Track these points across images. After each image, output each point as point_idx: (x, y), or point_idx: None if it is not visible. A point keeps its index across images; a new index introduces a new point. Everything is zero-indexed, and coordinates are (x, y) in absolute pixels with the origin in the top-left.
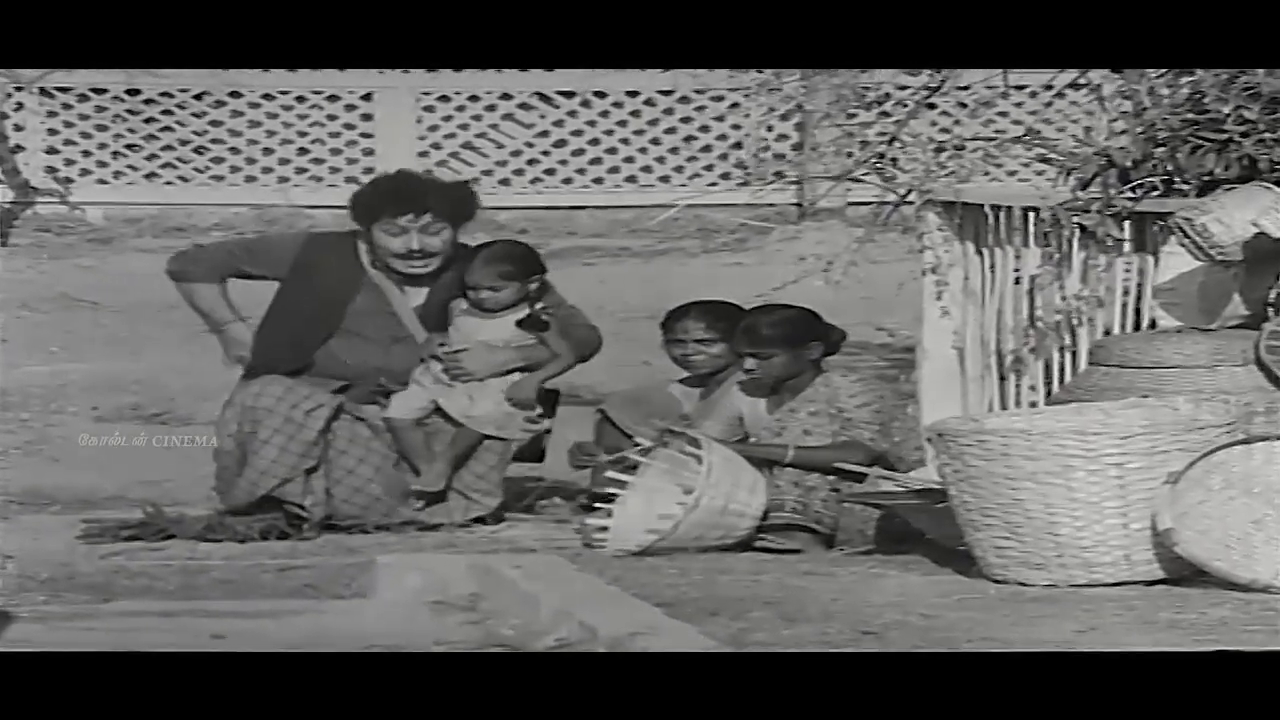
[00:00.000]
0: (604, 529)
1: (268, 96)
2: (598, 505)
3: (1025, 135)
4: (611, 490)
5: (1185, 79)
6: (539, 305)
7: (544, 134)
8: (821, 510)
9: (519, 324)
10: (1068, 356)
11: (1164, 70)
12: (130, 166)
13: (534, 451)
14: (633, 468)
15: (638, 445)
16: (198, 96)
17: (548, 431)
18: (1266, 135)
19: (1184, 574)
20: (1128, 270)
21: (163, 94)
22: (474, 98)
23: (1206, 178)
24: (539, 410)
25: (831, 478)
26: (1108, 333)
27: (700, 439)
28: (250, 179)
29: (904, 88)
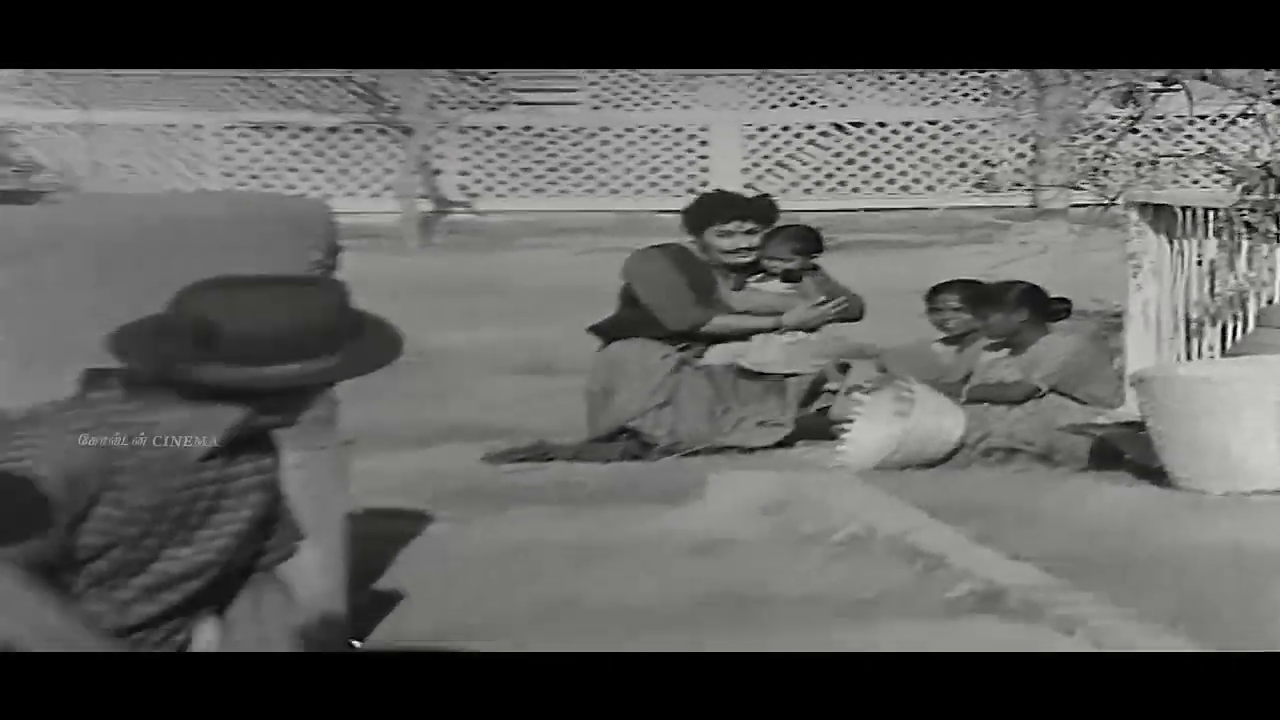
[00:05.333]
0: (843, 451)
1: (629, 129)
2: (841, 430)
3: (1206, 153)
4: (849, 416)
5: None
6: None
7: (838, 154)
8: (1030, 437)
9: (783, 279)
10: (1238, 321)
11: None
12: (523, 184)
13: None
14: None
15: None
16: (575, 130)
17: (831, 379)
18: None
19: None
20: None
21: (550, 129)
22: (785, 128)
23: None
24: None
25: (1029, 407)
26: (1270, 302)
27: (910, 380)
28: (614, 191)
29: (1113, 117)
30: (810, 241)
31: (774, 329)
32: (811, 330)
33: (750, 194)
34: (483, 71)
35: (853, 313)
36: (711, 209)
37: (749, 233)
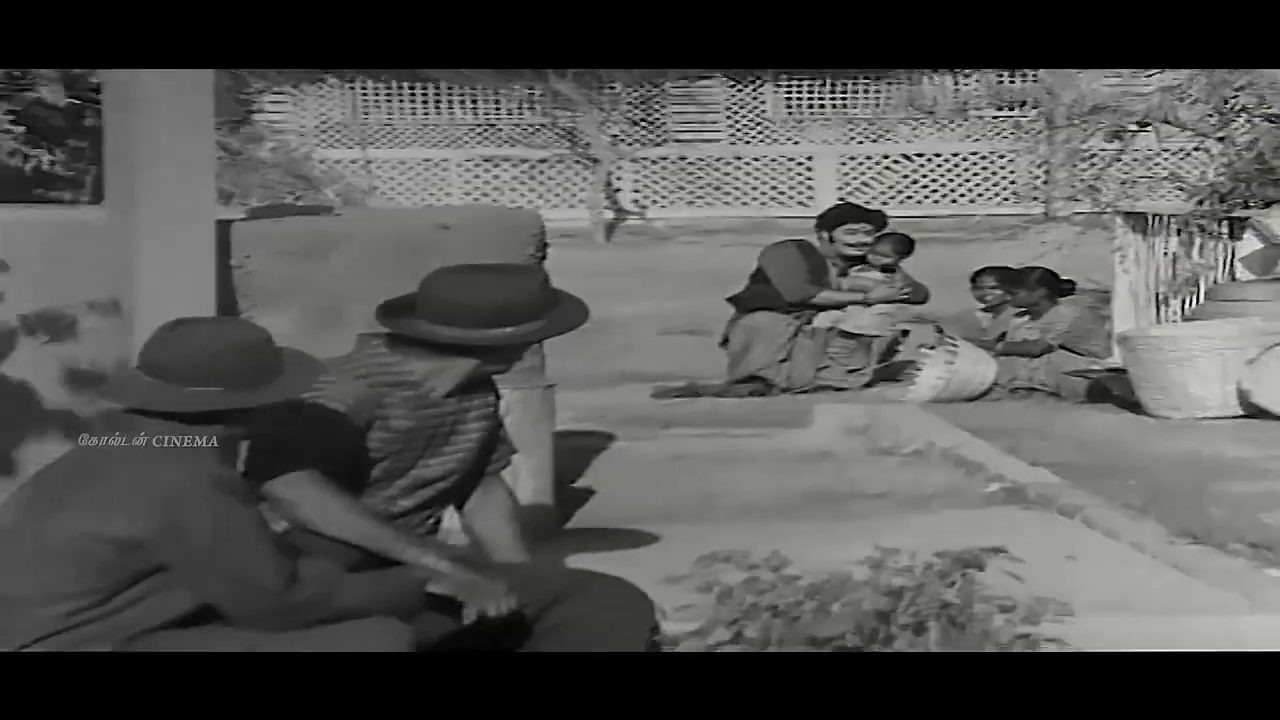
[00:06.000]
0: (910, 389)
1: (756, 159)
2: (915, 371)
3: (1170, 176)
4: (917, 365)
5: (1255, 144)
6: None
7: (905, 176)
8: (1044, 379)
9: (881, 269)
10: (1193, 296)
11: (1247, 141)
12: (678, 198)
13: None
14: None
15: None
16: (716, 159)
17: (900, 341)
18: None
19: (1255, 414)
20: (1226, 247)
21: (698, 159)
22: (869, 157)
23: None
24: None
25: (1044, 358)
26: (1216, 282)
27: (956, 337)
28: (744, 204)
29: (1104, 149)
30: (906, 245)
31: (862, 303)
32: (889, 304)
33: (869, 208)
34: (649, 117)
35: (920, 299)
36: (844, 213)
37: (866, 233)
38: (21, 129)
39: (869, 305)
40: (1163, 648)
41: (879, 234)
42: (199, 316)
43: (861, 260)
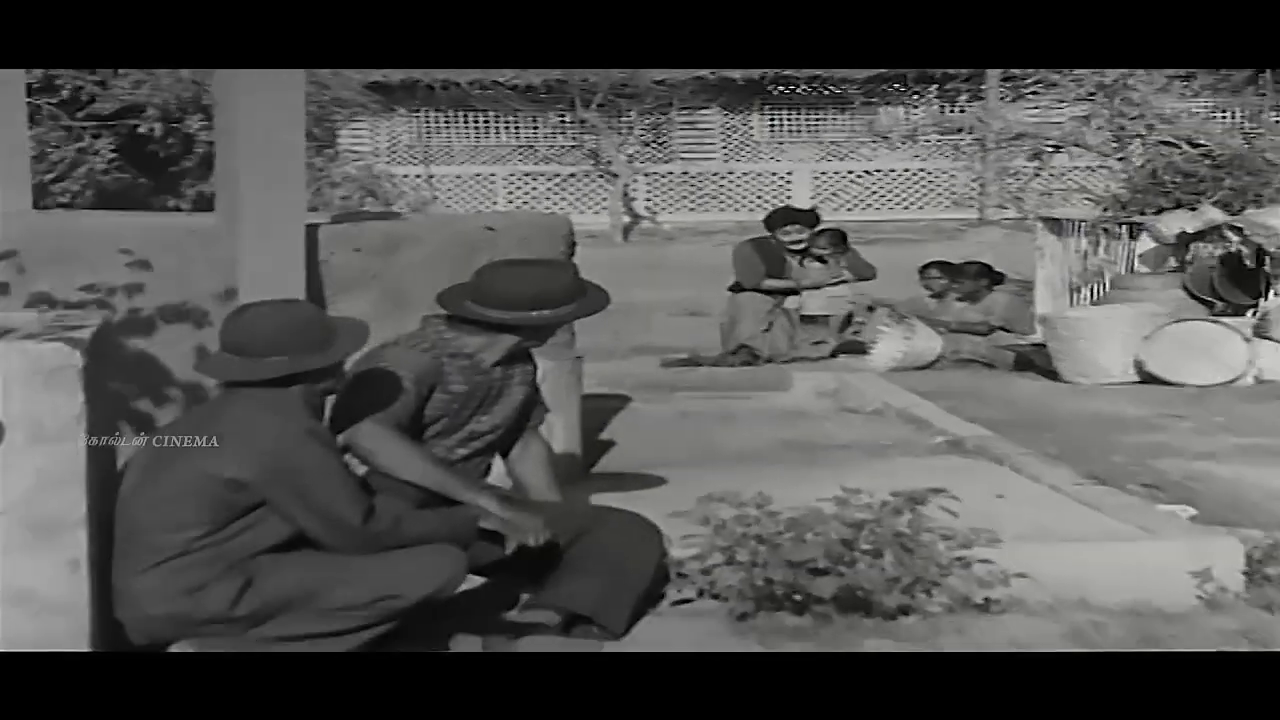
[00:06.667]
0: (871, 358)
1: (745, 174)
2: (870, 345)
3: (1081, 189)
4: (873, 339)
5: (1149, 164)
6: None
7: (867, 187)
8: (985, 352)
9: (818, 260)
10: (1100, 286)
11: (1142, 161)
12: (683, 205)
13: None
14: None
15: (887, 322)
16: (713, 174)
17: (857, 315)
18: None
19: (1148, 380)
20: (1126, 247)
21: (699, 174)
22: (836, 172)
23: (1161, 208)
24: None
25: (989, 336)
26: (1119, 274)
27: (909, 316)
28: (736, 210)
29: (1026, 166)
30: (839, 238)
31: (798, 289)
32: (823, 287)
33: (802, 208)
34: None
35: (868, 275)
36: (781, 216)
37: (799, 231)
38: (116, 155)
39: (815, 289)
40: (1073, 569)
41: (816, 230)
42: (261, 300)
43: (808, 253)
